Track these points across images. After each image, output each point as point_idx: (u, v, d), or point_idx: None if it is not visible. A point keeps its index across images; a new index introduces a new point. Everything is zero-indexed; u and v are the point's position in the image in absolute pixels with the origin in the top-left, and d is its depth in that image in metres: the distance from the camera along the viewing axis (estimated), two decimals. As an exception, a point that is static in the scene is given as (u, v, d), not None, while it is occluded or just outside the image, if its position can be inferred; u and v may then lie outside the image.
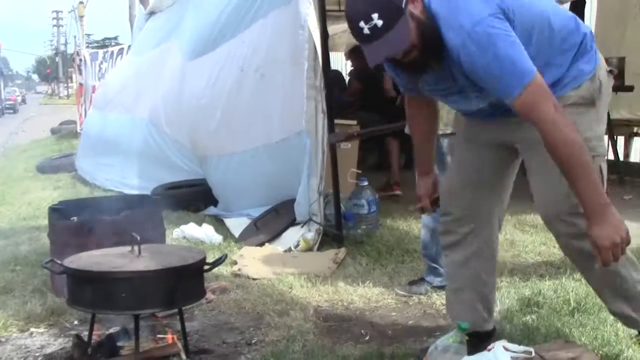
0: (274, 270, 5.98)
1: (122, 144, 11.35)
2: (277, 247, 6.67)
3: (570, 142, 3.15)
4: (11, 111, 55.25)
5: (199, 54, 9.21)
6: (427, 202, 4.08)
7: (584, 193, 3.21)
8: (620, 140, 11.10)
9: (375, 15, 3.11)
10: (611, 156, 9.71)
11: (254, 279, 5.77)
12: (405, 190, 8.51)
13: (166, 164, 9.87)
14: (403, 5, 3.14)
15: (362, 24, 3.14)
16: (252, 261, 6.22)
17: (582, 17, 10.55)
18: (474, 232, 3.91)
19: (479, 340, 3.75)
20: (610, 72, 3.66)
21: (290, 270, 5.91)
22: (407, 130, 4.44)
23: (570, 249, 3.66)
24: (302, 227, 6.82)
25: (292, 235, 6.70)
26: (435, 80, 3.52)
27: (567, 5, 9.81)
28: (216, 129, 8.42)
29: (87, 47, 22.18)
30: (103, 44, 48.45)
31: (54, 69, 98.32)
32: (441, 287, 5.03)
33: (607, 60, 3.83)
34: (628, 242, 3.21)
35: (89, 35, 58.78)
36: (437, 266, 5.25)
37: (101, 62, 18.47)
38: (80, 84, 20.00)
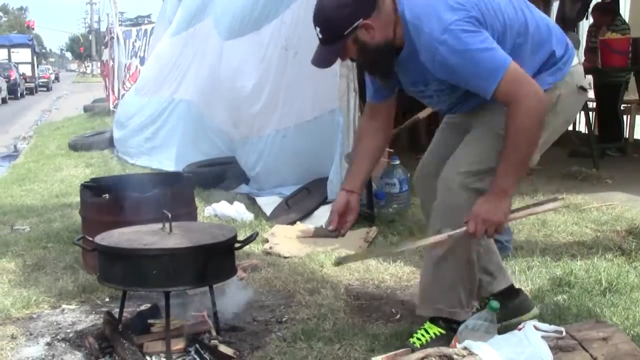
0: (305, 248, 5.98)
1: (158, 124, 11.40)
2: (308, 226, 6.66)
3: (523, 132, 3.36)
4: (44, 89, 55.49)
5: (239, 34, 9.16)
6: (336, 219, 3.86)
7: (501, 171, 3.43)
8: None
9: (318, 29, 3.47)
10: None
11: (285, 257, 5.78)
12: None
13: (203, 144, 9.90)
14: (346, 33, 3.42)
15: (316, 28, 3.48)
16: (283, 239, 6.23)
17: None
18: None
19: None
20: (581, 88, 3.79)
21: (321, 249, 5.90)
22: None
23: (447, 198, 3.66)
24: (333, 206, 6.80)
25: (324, 214, 6.68)
26: (412, 83, 3.72)
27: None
28: (260, 109, 8.39)
29: (120, 25, 22.16)
30: (136, 22, 48.45)
31: (87, 47, 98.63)
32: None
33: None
34: (498, 231, 3.49)
35: (122, 13, 58.89)
36: None
37: (135, 41, 18.50)
38: (106, 61, 20.01)
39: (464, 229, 3.49)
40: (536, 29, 3.62)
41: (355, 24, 3.42)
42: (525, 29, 3.59)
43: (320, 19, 3.47)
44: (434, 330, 3.83)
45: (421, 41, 3.41)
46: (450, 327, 3.79)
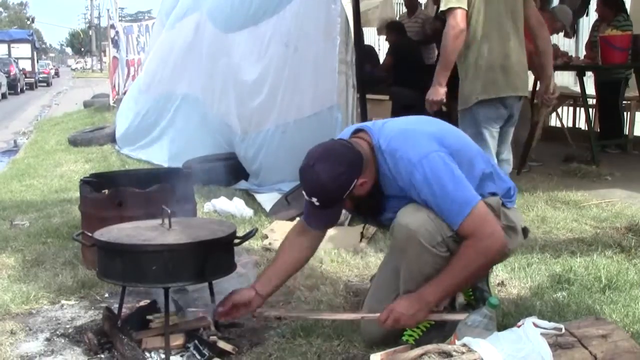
0: None
1: (157, 119, 11.40)
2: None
3: (472, 266, 3.56)
4: (44, 84, 55.51)
5: (238, 27, 9.12)
6: (229, 308, 3.89)
7: (434, 285, 3.59)
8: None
9: (314, 199, 3.62)
10: None
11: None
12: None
13: (203, 139, 9.90)
14: (344, 197, 3.62)
15: (312, 198, 3.63)
16: (282, 235, 6.19)
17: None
18: None
19: None
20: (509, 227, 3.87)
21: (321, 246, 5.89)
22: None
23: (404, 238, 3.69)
24: (333, 202, 6.80)
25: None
26: (399, 206, 3.76)
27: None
28: (259, 105, 8.39)
29: (121, 20, 22.17)
30: (136, 17, 48.54)
31: (87, 43, 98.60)
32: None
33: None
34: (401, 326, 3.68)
35: (122, 8, 58.94)
36: None
37: (138, 36, 18.47)
38: (115, 57, 20.01)
39: (377, 315, 3.67)
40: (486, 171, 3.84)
41: (352, 186, 3.59)
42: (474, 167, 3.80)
43: (317, 191, 3.61)
44: (422, 324, 3.82)
45: (398, 168, 3.61)
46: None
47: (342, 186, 3.57)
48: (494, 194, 3.82)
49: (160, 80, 11.72)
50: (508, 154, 5.79)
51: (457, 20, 5.33)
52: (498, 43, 5.50)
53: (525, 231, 4.03)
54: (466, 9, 5.39)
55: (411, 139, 3.64)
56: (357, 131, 3.84)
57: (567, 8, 9.66)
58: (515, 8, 5.57)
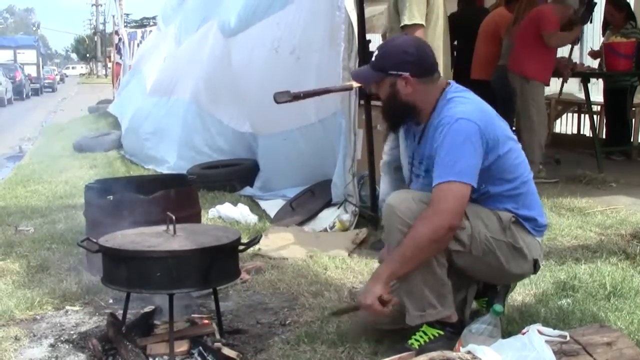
0: (291, 249, 6.05)
1: (162, 125, 11.43)
2: (303, 228, 6.67)
3: (415, 238, 3.62)
4: (50, 90, 55.58)
5: (237, 31, 9.20)
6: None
7: (391, 254, 3.76)
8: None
9: (376, 52, 3.94)
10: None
11: (270, 258, 5.82)
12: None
13: (208, 145, 9.94)
14: (390, 72, 3.83)
15: (377, 50, 3.96)
16: (273, 241, 6.23)
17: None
18: None
19: None
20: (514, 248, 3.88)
21: (307, 250, 5.99)
22: None
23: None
24: (338, 208, 6.82)
25: (328, 217, 6.70)
26: (412, 155, 4.07)
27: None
28: (249, 110, 8.41)
29: (126, 26, 22.24)
30: (141, 23, 48.64)
31: (92, 49, 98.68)
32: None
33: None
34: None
35: (127, 14, 59.07)
36: None
37: (140, 42, 18.52)
38: (118, 63, 20.06)
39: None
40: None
41: (400, 73, 3.80)
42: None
43: (384, 47, 3.96)
44: (432, 332, 3.84)
45: (442, 116, 3.76)
46: (447, 330, 3.83)
47: (398, 61, 3.82)
48: (509, 211, 3.85)
49: (168, 87, 11.79)
50: None
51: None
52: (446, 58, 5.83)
53: (536, 264, 4.01)
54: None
55: (472, 105, 3.81)
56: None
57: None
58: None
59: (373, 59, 3.94)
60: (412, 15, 5.64)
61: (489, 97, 9.63)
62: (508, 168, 3.81)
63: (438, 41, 5.71)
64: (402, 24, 5.70)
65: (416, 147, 3.99)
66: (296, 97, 5.90)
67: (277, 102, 5.90)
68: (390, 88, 3.86)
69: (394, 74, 3.82)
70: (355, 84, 5.72)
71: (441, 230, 3.61)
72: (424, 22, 5.66)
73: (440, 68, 5.44)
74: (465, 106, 3.74)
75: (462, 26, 10.20)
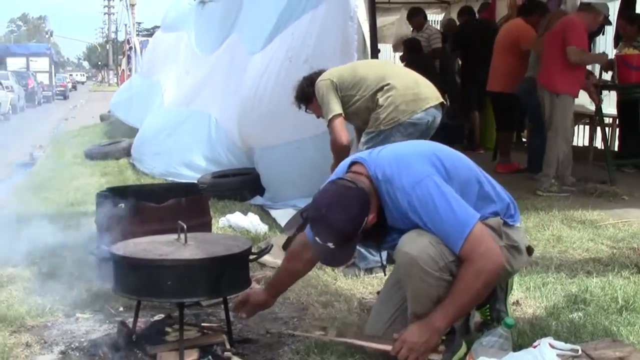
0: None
1: (178, 135, 11.45)
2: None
3: (470, 290, 3.58)
4: (61, 97, 55.72)
5: (260, 48, 9.24)
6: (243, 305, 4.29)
7: (440, 310, 3.63)
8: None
9: (330, 243, 3.68)
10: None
11: (273, 267, 5.78)
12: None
13: (220, 155, 9.97)
14: (358, 234, 3.70)
15: (328, 243, 3.68)
16: (275, 249, 6.19)
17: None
18: None
19: None
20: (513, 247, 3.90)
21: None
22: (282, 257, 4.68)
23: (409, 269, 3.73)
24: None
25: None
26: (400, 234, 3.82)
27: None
28: (261, 119, 8.42)
29: (138, 35, 22.36)
30: (153, 32, 48.78)
31: (104, 57, 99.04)
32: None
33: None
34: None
35: (139, 23, 59.23)
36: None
37: (150, 50, 18.57)
38: (122, 71, 20.15)
39: (389, 347, 3.73)
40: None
41: (364, 224, 3.68)
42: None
43: (333, 237, 3.67)
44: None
45: (396, 195, 3.69)
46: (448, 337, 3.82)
47: (356, 228, 3.66)
48: (495, 214, 3.84)
49: (185, 99, 11.86)
50: None
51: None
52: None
53: (529, 250, 4.04)
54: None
55: (404, 164, 3.73)
56: (352, 164, 3.91)
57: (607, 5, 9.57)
58: None
59: (332, 246, 3.68)
60: (329, 110, 5.78)
61: (508, 109, 9.64)
62: (463, 176, 3.80)
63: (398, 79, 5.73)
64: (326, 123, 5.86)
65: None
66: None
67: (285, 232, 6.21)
68: (363, 233, 3.75)
69: (361, 231, 3.71)
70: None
71: (494, 273, 3.62)
72: (340, 111, 5.76)
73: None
74: (403, 173, 3.69)
75: (463, 36, 10.27)
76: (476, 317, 4.25)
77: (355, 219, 3.65)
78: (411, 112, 5.55)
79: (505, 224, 3.87)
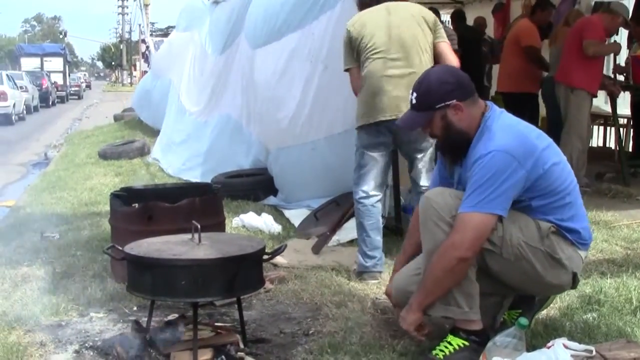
0: (300, 258, 6.10)
1: (196, 137, 11.47)
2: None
3: (436, 267, 3.74)
4: (76, 97, 55.82)
5: (264, 42, 9.19)
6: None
7: (420, 284, 3.86)
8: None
9: (414, 94, 3.94)
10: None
11: (275, 266, 5.84)
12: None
13: (236, 155, 9.97)
14: (437, 107, 3.85)
15: (412, 93, 3.95)
16: (288, 250, 6.22)
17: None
18: None
19: None
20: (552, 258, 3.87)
21: (316, 260, 6.05)
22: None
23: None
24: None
25: (353, 227, 6.68)
26: (454, 176, 4.07)
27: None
28: (289, 121, 8.39)
29: (151, 35, 22.39)
30: (166, 32, 48.81)
31: (118, 57, 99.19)
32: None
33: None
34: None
35: (152, 23, 59.31)
36: None
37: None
38: (144, 72, 20.20)
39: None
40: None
41: (449, 102, 3.82)
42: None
43: (422, 86, 3.92)
44: (457, 342, 3.84)
45: (478, 148, 3.77)
46: (472, 340, 3.81)
47: (441, 93, 3.85)
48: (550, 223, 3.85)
49: (201, 100, 11.92)
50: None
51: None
52: None
53: (575, 278, 3.99)
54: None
55: (508, 134, 3.76)
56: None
57: (626, 7, 9.55)
58: None
59: (413, 101, 3.93)
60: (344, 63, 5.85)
61: (518, 109, 9.67)
62: (552, 182, 3.80)
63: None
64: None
65: (459, 170, 4.00)
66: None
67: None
68: (442, 121, 3.88)
69: (441, 107, 3.84)
70: None
71: (452, 262, 3.68)
72: (351, 65, 5.78)
73: None
74: (501, 139, 3.72)
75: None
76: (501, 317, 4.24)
77: (446, 85, 3.85)
78: None
79: (563, 237, 3.88)
